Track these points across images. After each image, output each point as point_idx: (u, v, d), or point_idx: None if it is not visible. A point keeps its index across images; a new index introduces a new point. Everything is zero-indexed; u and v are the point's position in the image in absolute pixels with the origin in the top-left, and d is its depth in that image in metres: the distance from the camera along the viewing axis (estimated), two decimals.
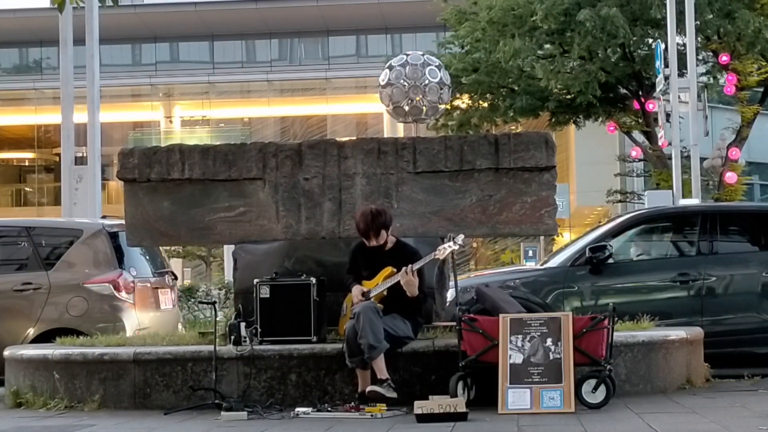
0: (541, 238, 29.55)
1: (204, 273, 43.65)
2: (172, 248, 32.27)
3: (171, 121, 48.72)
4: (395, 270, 8.57)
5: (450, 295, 9.71)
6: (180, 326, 12.53)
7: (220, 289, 18.57)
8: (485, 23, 25.82)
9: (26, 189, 51.58)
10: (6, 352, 9.94)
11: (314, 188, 9.49)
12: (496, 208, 9.36)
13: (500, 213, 9.36)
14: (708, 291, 10.74)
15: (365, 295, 8.61)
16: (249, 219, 9.59)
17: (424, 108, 13.22)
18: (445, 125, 27.69)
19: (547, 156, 9.30)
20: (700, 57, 25.52)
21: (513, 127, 28.81)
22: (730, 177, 26.34)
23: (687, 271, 10.80)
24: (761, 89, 27.41)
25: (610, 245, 10.94)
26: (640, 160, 30.97)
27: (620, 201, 33.71)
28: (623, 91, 27.23)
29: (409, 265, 8.48)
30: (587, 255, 10.78)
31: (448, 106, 24.13)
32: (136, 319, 11.34)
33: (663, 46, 22.86)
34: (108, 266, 11.37)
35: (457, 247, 8.59)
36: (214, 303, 9.62)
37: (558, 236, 23.80)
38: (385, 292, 8.62)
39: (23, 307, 11.21)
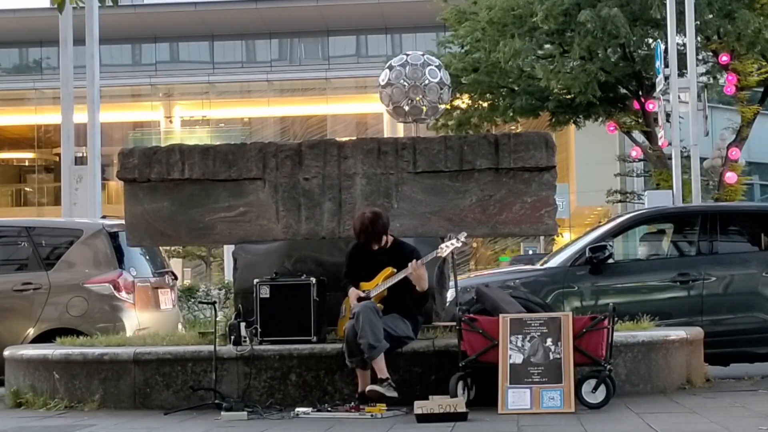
0: (541, 238, 29.61)
1: (204, 273, 43.66)
2: (172, 248, 32.27)
3: (171, 121, 48.74)
4: (395, 270, 8.57)
5: (450, 295, 9.71)
6: (180, 326, 12.52)
7: (220, 289, 18.57)
8: (485, 23, 25.83)
9: (26, 189, 51.60)
10: (6, 352, 9.94)
11: (314, 188, 9.49)
12: (496, 208, 9.36)
13: (500, 213, 9.36)
14: (708, 291, 10.73)
15: (362, 298, 8.60)
16: (249, 219, 9.58)
17: (424, 108, 13.19)
18: (445, 125, 27.69)
19: (547, 156, 9.30)
20: (700, 57, 25.52)
21: (513, 127, 28.81)
22: (730, 177, 26.34)
23: (687, 271, 10.79)
24: (761, 89, 27.40)
25: (610, 245, 10.94)
26: (640, 160, 30.98)
27: (620, 201, 33.71)
28: (623, 91, 27.23)
29: (415, 260, 8.47)
30: (587, 255, 10.77)
31: (448, 106, 24.11)
32: (136, 319, 11.33)
33: (663, 46, 22.86)
34: (108, 266, 11.36)
35: (460, 244, 8.59)
36: (214, 303, 9.62)
37: (558, 236, 23.82)
38: (385, 292, 8.62)
39: (23, 307, 11.20)
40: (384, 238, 8.74)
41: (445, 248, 8.60)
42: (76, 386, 9.08)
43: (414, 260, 8.49)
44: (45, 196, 49.50)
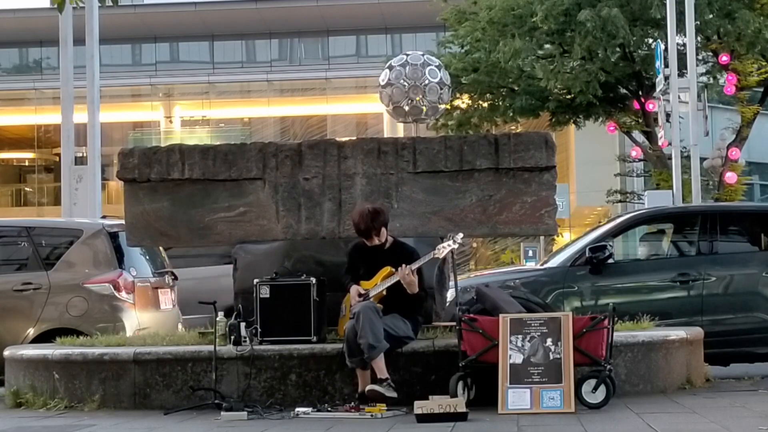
0: (541, 238, 29.56)
1: None
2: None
3: (171, 121, 48.71)
4: (394, 270, 8.58)
5: (450, 295, 9.71)
6: (180, 326, 12.52)
7: None
8: (485, 23, 25.83)
9: (26, 189, 51.57)
10: (6, 352, 9.94)
11: (314, 188, 9.49)
12: (496, 208, 9.36)
13: (500, 213, 9.36)
14: (708, 291, 10.73)
15: (363, 295, 8.62)
16: (249, 219, 9.58)
17: (424, 108, 13.19)
18: (445, 125, 27.69)
19: (547, 156, 9.30)
20: (700, 57, 25.52)
21: (513, 127, 28.81)
22: (730, 177, 26.34)
23: (687, 271, 10.80)
24: (761, 89, 27.40)
25: (610, 245, 10.94)
26: (640, 160, 30.96)
27: (620, 201, 33.69)
28: (623, 91, 27.23)
29: (408, 265, 8.48)
30: (587, 255, 10.78)
31: (448, 106, 24.12)
32: (136, 319, 11.33)
33: (663, 46, 22.86)
34: (108, 266, 11.36)
35: (456, 246, 8.59)
36: (214, 303, 9.61)
37: (558, 236, 23.82)
38: (384, 292, 8.62)
39: (23, 307, 11.21)
40: (383, 232, 8.74)
41: (442, 250, 8.60)
42: (76, 386, 9.08)
43: (404, 265, 8.49)
44: (45, 196, 49.46)
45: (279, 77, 48.17)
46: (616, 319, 8.42)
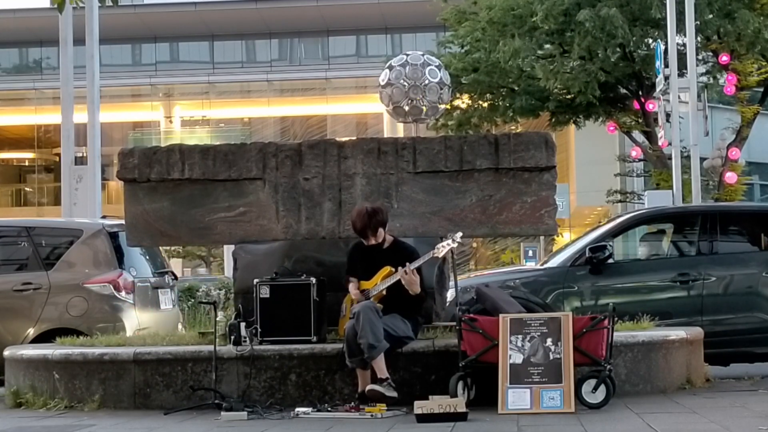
0: (541, 238, 29.59)
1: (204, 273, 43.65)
2: (172, 248, 32.28)
3: (171, 121, 48.75)
4: (394, 269, 8.58)
5: (450, 295, 9.71)
6: (180, 326, 12.52)
7: (220, 289, 18.57)
8: (485, 23, 25.84)
9: (26, 189, 51.61)
10: (6, 352, 9.94)
11: (314, 188, 9.49)
12: (496, 208, 9.35)
13: (500, 213, 9.35)
14: (708, 291, 10.73)
15: (363, 293, 8.62)
16: (249, 219, 9.58)
17: (424, 108, 13.17)
18: (445, 125, 27.70)
19: (547, 156, 9.30)
20: (700, 57, 25.52)
21: (513, 127, 28.82)
22: (730, 177, 26.35)
23: (687, 271, 10.80)
24: (761, 89, 27.41)
25: (610, 245, 10.94)
26: (640, 160, 30.97)
27: (620, 201, 33.70)
28: (623, 91, 27.24)
29: (408, 265, 8.48)
30: (587, 255, 10.77)
31: (448, 106, 24.12)
32: (136, 319, 11.33)
33: (663, 46, 22.87)
34: (108, 266, 11.36)
35: (455, 245, 8.58)
36: (214, 303, 9.61)
37: (558, 236, 23.82)
38: (384, 292, 8.62)
39: (23, 307, 11.21)
40: (380, 233, 8.74)
41: (441, 249, 8.60)
42: (76, 386, 9.08)
43: (407, 264, 8.49)
44: (45, 196, 49.51)
45: (279, 77, 48.22)
46: (616, 319, 8.42)
